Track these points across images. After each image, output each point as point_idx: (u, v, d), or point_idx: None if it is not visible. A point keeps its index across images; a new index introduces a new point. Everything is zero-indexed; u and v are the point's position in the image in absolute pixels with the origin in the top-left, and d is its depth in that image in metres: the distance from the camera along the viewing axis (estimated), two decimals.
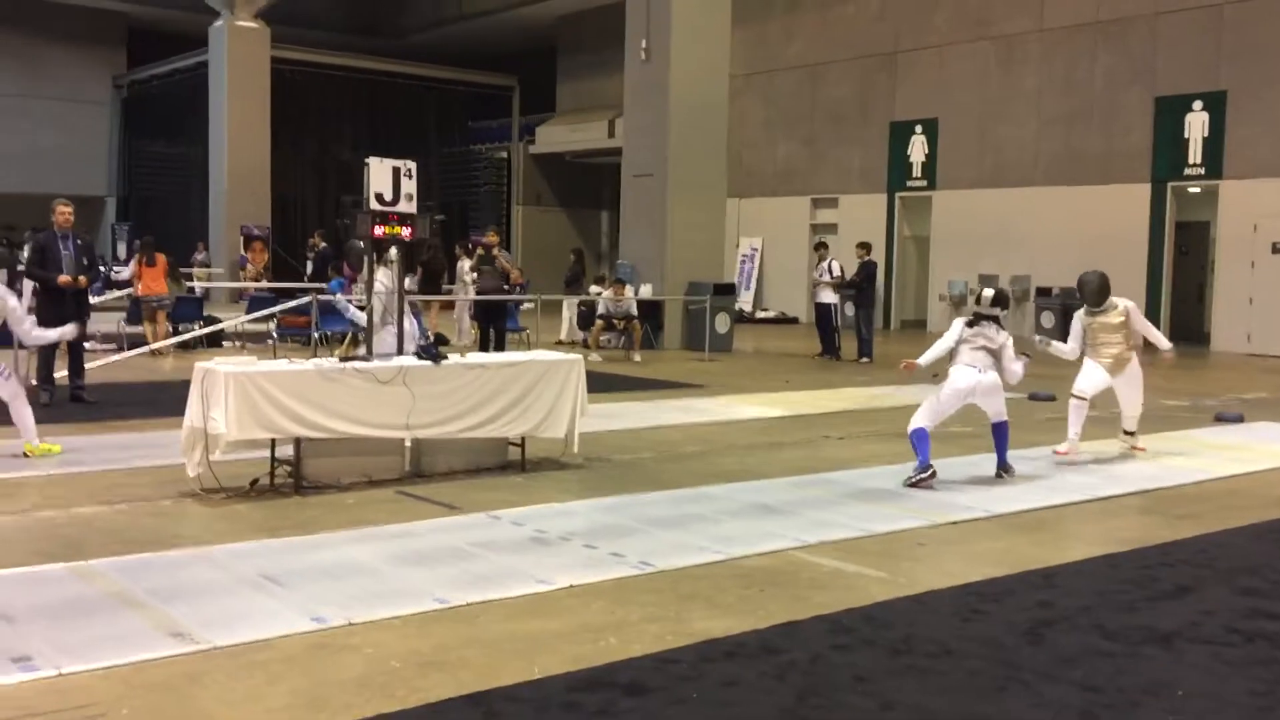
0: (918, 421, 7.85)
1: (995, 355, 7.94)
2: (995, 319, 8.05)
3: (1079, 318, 9.11)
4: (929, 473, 7.63)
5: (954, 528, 6.61)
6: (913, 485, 7.58)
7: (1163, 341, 9.43)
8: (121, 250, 32.22)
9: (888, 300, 24.38)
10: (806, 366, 16.30)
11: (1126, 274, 18.54)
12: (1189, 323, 21.06)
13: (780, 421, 10.79)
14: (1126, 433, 9.30)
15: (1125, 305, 8.97)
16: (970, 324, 8.06)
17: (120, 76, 36.56)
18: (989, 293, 8.19)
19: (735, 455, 8.90)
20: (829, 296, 17.03)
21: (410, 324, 8.70)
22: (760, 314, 26.34)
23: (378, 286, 8.56)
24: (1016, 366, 8.02)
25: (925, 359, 8.08)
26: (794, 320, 25.71)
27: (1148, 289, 20.17)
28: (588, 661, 4.26)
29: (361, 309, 8.36)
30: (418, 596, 4.99)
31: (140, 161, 36.31)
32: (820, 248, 17.67)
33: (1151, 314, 20.22)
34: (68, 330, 9.15)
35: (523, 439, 8.01)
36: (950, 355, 8.01)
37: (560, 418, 7.99)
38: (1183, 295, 21.08)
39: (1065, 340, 9.26)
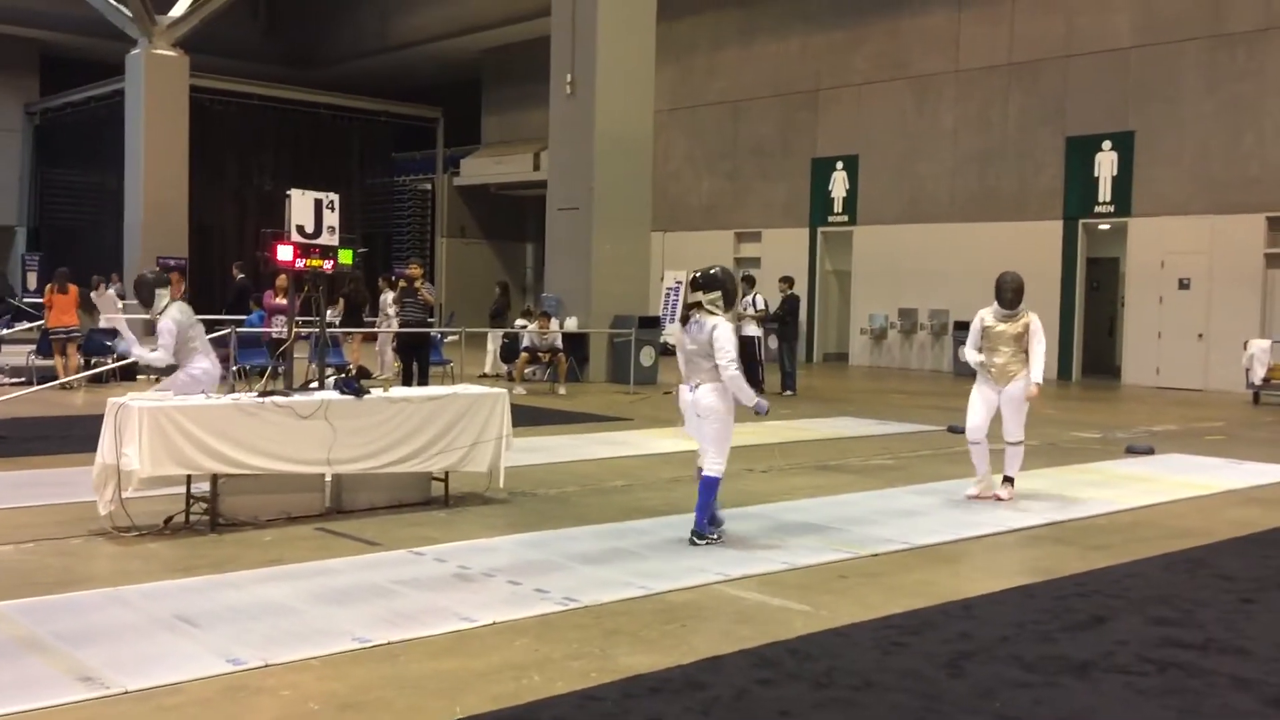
0: (699, 459, 6.96)
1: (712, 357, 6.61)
2: (700, 305, 6.71)
3: (981, 319, 8.58)
4: (705, 540, 6.82)
5: (875, 560, 6.68)
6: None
7: (1037, 372, 8.42)
8: (32, 281, 31.45)
9: (810, 334, 24.69)
10: None
11: (1040, 309, 18.46)
12: (1100, 356, 21.65)
13: None
14: (1006, 478, 8.64)
15: (1032, 318, 8.51)
16: (684, 321, 6.82)
17: (32, 104, 35.80)
18: (697, 275, 6.82)
19: (660, 489, 8.91)
20: (753, 330, 17.17)
21: (213, 363, 8.03)
22: None
23: (167, 324, 7.98)
24: (733, 370, 6.52)
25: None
26: None
27: (1060, 324, 20.67)
28: (511, 700, 4.22)
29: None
30: (337, 636, 4.90)
31: (52, 191, 35.56)
32: (745, 280, 17.82)
33: (1064, 348, 20.81)
34: None
35: (446, 474, 7.94)
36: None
37: (484, 452, 7.93)
38: (1094, 329, 21.67)
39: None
